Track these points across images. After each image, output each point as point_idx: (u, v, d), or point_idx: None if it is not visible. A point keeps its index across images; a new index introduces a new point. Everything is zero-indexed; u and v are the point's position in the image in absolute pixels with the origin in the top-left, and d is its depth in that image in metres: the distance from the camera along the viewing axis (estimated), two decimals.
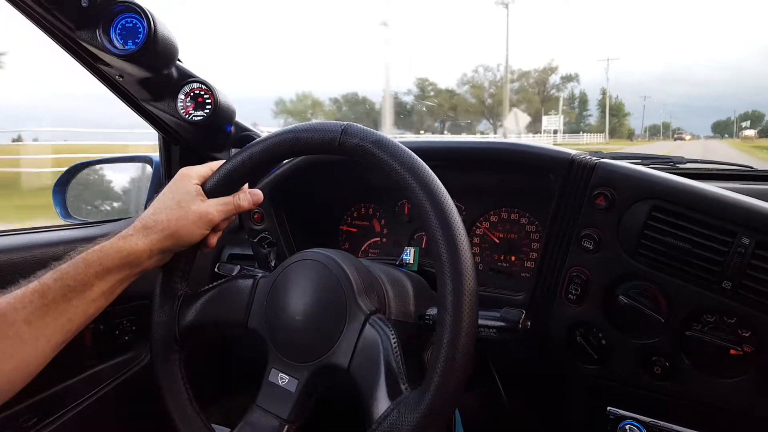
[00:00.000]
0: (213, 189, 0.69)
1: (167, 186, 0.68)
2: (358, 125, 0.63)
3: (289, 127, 0.67)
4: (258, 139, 0.69)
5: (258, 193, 0.74)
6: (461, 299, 0.53)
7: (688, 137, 60.69)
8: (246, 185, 0.73)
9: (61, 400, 0.89)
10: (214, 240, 0.71)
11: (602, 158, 0.83)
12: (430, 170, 0.59)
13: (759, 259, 0.68)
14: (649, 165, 0.90)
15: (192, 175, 0.69)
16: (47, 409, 0.87)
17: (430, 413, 0.52)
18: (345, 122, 0.63)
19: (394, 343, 0.59)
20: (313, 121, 0.67)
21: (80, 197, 1.25)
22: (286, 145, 0.67)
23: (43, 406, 0.86)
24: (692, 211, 0.73)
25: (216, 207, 0.68)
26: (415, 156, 0.59)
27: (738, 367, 0.71)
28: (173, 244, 0.65)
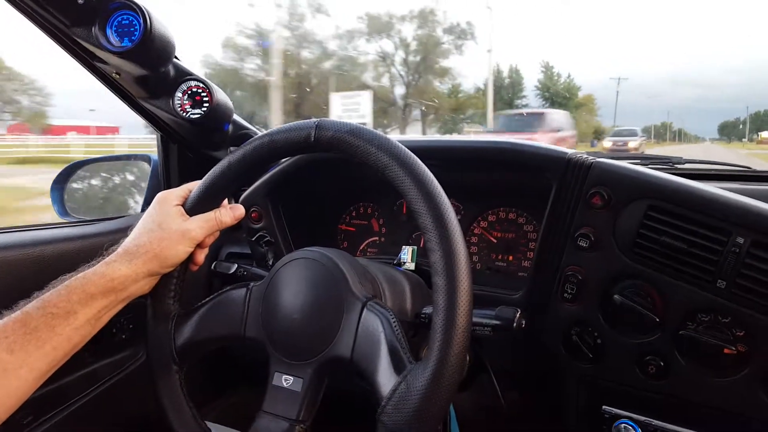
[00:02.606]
0: (194, 206, 0.69)
1: (146, 211, 0.68)
2: (331, 119, 0.63)
3: (266, 131, 0.67)
4: (236, 148, 0.68)
5: (239, 208, 0.74)
6: (453, 261, 0.53)
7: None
8: (226, 201, 0.73)
9: (57, 398, 0.89)
10: (201, 257, 0.71)
11: (599, 157, 0.83)
12: (407, 149, 0.59)
13: (753, 259, 0.68)
14: (646, 165, 0.91)
15: (171, 197, 0.69)
16: (43, 407, 0.87)
17: (436, 378, 0.52)
18: (317, 118, 0.64)
19: (394, 322, 0.59)
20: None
21: (78, 195, 1.25)
22: (263, 149, 0.66)
23: (38, 404, 0.85)
24: (688, 211, 0.73)
25: (198, 224, 0.68)
26: (391, 138, 0.60)
27: (732, 366, 0.71)
28: (158, 266, 0.65)
